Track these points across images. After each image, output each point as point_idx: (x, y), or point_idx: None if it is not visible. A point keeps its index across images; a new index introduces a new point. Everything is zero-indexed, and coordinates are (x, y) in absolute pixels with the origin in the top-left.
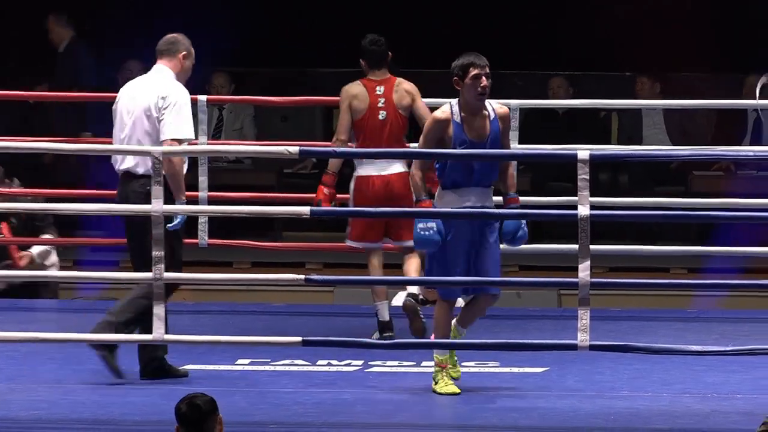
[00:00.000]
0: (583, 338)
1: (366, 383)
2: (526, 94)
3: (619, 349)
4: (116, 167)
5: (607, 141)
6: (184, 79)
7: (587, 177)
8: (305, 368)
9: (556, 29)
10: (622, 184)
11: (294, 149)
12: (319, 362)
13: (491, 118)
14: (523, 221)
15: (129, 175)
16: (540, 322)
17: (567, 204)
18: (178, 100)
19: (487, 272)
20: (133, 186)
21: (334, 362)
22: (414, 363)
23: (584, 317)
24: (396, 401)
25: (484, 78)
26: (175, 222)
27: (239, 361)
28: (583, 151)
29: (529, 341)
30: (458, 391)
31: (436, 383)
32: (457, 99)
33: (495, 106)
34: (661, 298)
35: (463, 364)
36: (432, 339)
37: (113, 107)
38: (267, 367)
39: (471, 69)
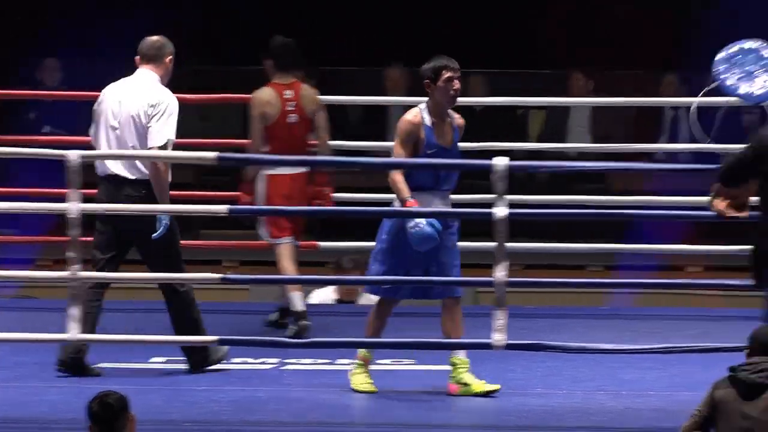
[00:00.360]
0: (499, 338)
1: (281, 381)
2: None
3: (534, 348)
4: (100, 171)
5: (523, 139)
6: (166, 81)
7: (503, 181)
8: (221, 366)
9: (474, 27)
10: (539, 181)
11: (212, 155)
12: (235, 360)
13: (453, 126)
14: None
15: (118, 179)
16: None
17: (484, 201)
18: (168, 107)
19: (445, 275)
20: (126, 191)
21: (249, 360)
22: (329, 360)
23: (500, 317)
24: (310, 399)
25: (456, 81)
26: (160, 230)
27: (154, 359)
28: (501, 160)
29: (445, 340)
30: (375, 389)
31: (353, 375)
32: (425, 103)
33: (454, 116)
34: (577, 295)
35: (378, 361)
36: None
37: (95, 108)
38: (182, 365)
39: (444, 72)
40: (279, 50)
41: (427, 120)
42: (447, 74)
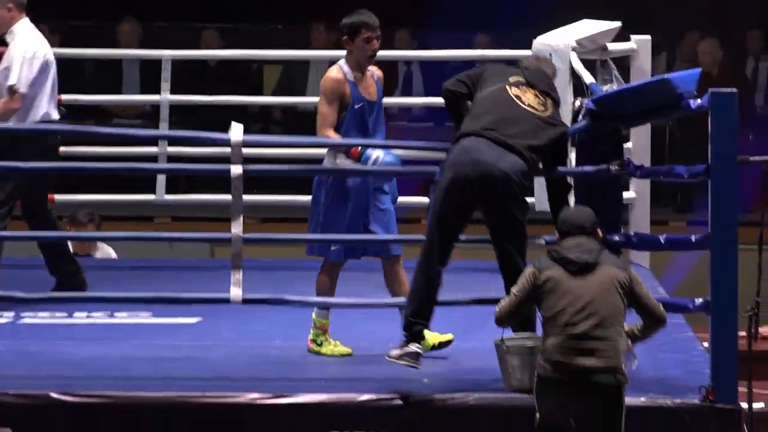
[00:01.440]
0: (236, 292)
1: (17, 335)
2: (179, 45)
3: (272, 302)
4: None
5: (258, 92)
6: None
7: (240, 140)
8: None
9: None
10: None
11: None
12: None
13: (375, 78)
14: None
15: None
16: (193, 272)
17: (220, 156)
18: None
19: (379, 234)
20: None
21: None
22: (66, 314)
23: (237, 272)
24: (48, 352)
25: (375, 41)
26: None
27: None
28: (237, 132)
29: (183, 295)
30: (350, 351)
31: (320, 345)
32: (344, 59)
33: (373, 68)
34: None
35: (115, 314)
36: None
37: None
38: None
39: (363, 31)
40: None
41: (350, 75)
42: (366, 34)
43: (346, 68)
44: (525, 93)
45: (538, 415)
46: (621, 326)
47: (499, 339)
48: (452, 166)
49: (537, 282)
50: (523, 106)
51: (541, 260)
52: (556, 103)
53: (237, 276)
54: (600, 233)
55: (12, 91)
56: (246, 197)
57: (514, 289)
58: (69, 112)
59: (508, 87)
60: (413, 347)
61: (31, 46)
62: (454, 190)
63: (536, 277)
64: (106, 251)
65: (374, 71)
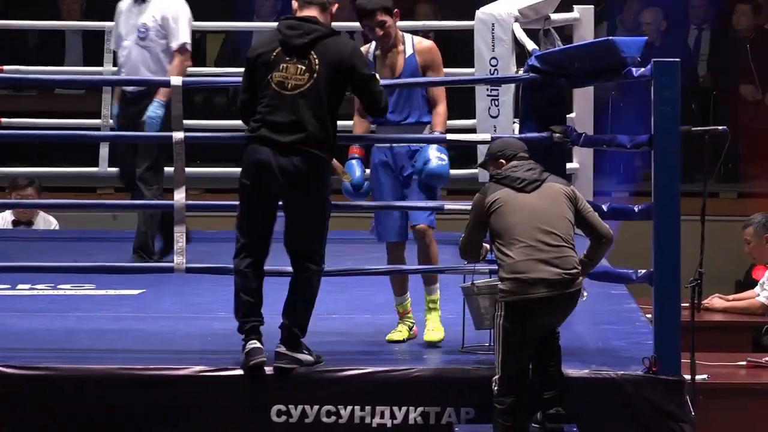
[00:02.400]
0: (179, 261)
1: None
2: None
3: (214, 272)
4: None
5: (201, 63)
6: None
7: (180, 103)
8: None
9: None
10: (217, 106)
11: None
12: None
13: (407, 54)
14: (437, 152)
15: None
16: None
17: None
18: None
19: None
20: None
21: None
22: (9, 286)
23: (180, 240)
24: None
25: (377, 29)
26: None
27: None
28: (176, 78)
29: (125, 264)
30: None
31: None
32: None
33: (416, 41)
34: None
35: (59, 286)
36: None
37: None
38: None
39: (362, 19)
40: None
41: (371, 53)
42: (364, 23)
43: (373, 45)
44: (287, 70)
45: (501, 343)
46: (573, 238)
47: (467, 283)
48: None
49: (486, 206)
50: (287, 93)
51: (485, 187)
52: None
53: (180, 244)
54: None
55: (185, 49)
56: (189, 169)
57: (468, 223)
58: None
59: (271, 78)
60: (250, 345)
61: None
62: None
63: (484, 201)
64: (47, 219)
65: (416, 44)
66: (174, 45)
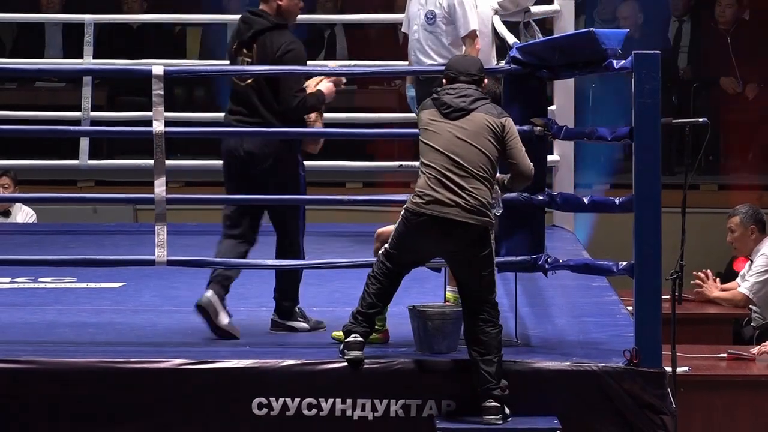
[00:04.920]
0: (160, 254)
1: None
2: (102, 9)
3: (196, 264)
4: None
5: (182, 56)
6: None
7: (162, 92)
8: None
9: None
10: (197, 99)
11: None
12: None
13: None
14: None
15: None
16: (116, 237)
17: (142, 119)
18: None
19: None
20: None
21: None
22: None
23: (161, 233)
24: None
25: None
26: None
27: None
28: (158, 67)
29: (107, 257)
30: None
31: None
32: None
33: None
34: None
35: (39, 279)
36: None
37: None
38: None
39: None
40: None
41: None
42: None
43: None
44: (243, 63)
45: (389, 247)
46: (488, 172)
47: (412, 306)
48: None
49: (420, 120)
50: (242, 85)
51: (425, 101)
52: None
53: (161, 236)
54: (486, 82)
55: (473, 35)
56: (169, 162)
57: None
58: None
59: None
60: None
61: None
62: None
63: (420, 116)
64: (25, 210)
65: None
66: (462, 32)
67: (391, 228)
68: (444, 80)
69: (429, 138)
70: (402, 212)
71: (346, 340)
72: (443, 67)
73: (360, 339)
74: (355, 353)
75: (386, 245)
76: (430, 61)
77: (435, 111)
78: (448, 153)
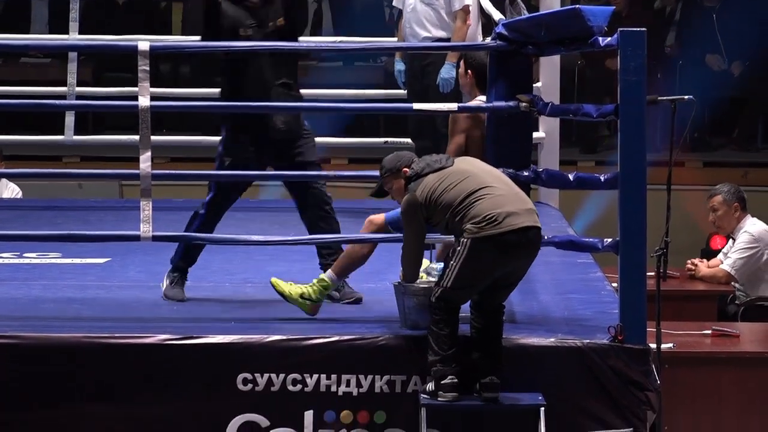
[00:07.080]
0: (145, 229)
1: None
2: None
3: (181, 240)
4: None
5: (167, 32)
6: None
7: (147, 68)
8: None
9: None
10: (183, 75)
11: None
12: None
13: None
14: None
15: None
16: (102, 212)
17: (128, 95)
18: None
19: None
20: None
21: None
22: None
23: (146, 208)
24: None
25: None
26: None
27: None
28: (143, 42)
29: (92, 233)
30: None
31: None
32: None
33: None
34: None
35: (24, 255)
36: None
37: None
38: None
39: None
40: None
41: None
42: None
43: None
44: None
45: (451, 287)
46: None
47: (397, 282)
48: None
49: (423, 200)
50: (269, 25)
51: (409, 189)
52: None
53: (147, 212)
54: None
55: (466, 11)
56: (155, 137)
57: (406, 233)
58: None
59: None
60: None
61: None
62: None
63: (417, 198)
64: (10, 186)
65: None
66: (457, 5)
67: (383, 216)
68: (404, 169)
69: (454, 186)
70: (463, 245)
71: (442, 383)
72: (432, 43)
73: (456, 381)
74: (452, 394)
75: (440, 290)
76: (425, 33)
77: (432, 175)
78: (482, 175)
